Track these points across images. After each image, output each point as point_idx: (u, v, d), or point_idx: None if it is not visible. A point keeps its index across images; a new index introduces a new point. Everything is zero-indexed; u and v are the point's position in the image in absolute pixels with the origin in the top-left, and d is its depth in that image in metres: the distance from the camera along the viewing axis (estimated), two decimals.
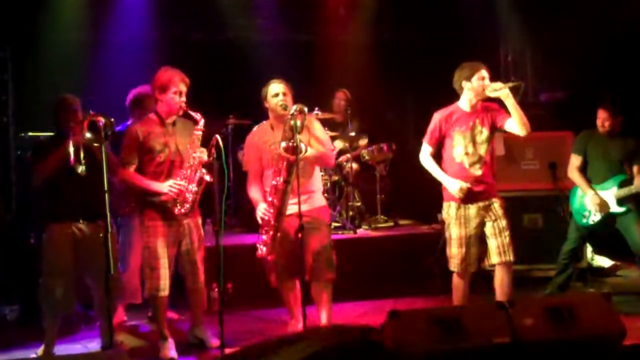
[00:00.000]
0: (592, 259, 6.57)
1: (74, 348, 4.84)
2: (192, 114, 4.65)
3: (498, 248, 4.74)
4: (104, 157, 4.07)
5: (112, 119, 4.20)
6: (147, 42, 7.25)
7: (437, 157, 4.93)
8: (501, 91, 4.64)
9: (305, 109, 4.57)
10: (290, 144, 4.48)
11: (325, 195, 6.52)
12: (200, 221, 4.80)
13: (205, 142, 4.62)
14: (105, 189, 4.02)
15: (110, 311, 4.11)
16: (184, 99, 4.64)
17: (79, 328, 5.29)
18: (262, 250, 4.73)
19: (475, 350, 3.54)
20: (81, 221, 4.55)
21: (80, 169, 4.39)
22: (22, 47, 6.47)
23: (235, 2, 7.54)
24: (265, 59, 7.56)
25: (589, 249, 6.38)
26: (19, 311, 5.62)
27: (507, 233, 4.76)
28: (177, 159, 4.64)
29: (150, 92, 4.88)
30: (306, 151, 4.57)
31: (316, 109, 6.84)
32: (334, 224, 6.78)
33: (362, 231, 6.61)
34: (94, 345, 4.82)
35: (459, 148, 4.77)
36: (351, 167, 7.25)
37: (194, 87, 4.74)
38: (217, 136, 4.48)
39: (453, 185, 4.72)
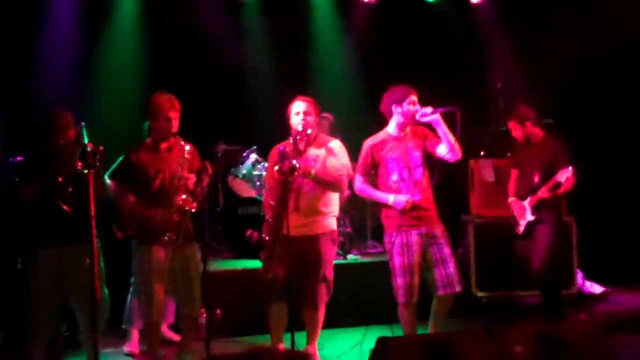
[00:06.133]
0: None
1: None
2: (181, 142, 4.58)
3: (442, 279, 4.57)
4: (90, 184, 4.04)
5: (102, 147, 4.13)
6: (138, 66, 7.25)
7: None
8: (432, 116, 4.52)
9: (309, 130, 4.67)
10: (283, 165, 4.47)
11: None
12: (197, 248, 4.71)
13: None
14: (92, 214, 4.00)
15: (95, 336, 4.05)
16: (173, 125, 4.55)
17: (65, 353, 5.22)
18: (261, 268, 4.74)
19: None
20: (67, 244, 4.49)
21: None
22: (11, 72, 6.43)
23: (227, 30, 7.58)
24: (256, 84, 7.60)
25: (579, 274, 6.37)
26: (4, 336, 5.54)
27: (450, 263, 4.58)
28: (172, 185, 4.54)
29: None
30: (308, 173, 4.55)
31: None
32: None
33: (352, 257, 6.59)
34: None
35: (394, 175, 4.65)
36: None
37: (184, 111, 4.69)
38: (207, 162, 4.46)
39: (399, 201, 4.56)
